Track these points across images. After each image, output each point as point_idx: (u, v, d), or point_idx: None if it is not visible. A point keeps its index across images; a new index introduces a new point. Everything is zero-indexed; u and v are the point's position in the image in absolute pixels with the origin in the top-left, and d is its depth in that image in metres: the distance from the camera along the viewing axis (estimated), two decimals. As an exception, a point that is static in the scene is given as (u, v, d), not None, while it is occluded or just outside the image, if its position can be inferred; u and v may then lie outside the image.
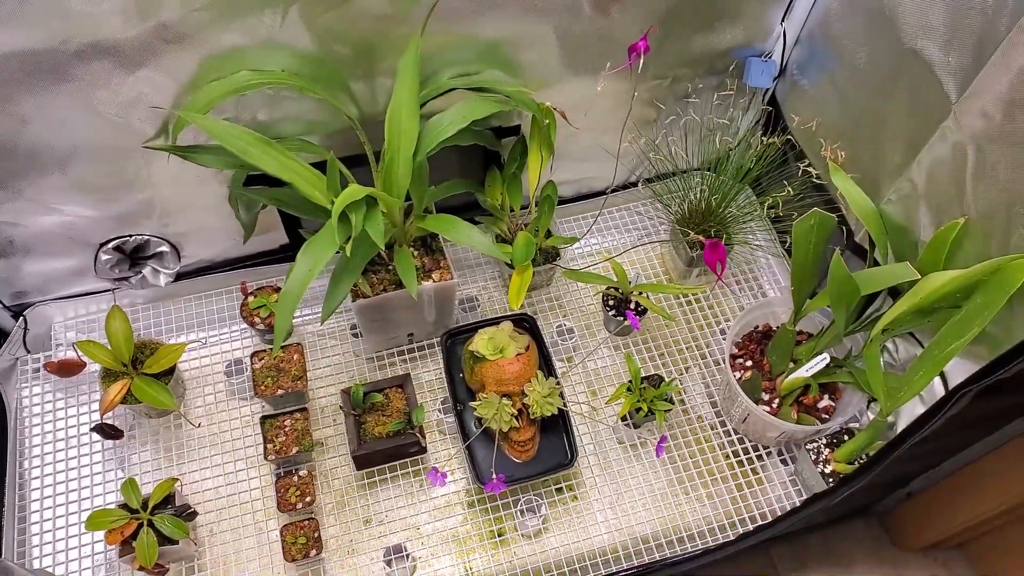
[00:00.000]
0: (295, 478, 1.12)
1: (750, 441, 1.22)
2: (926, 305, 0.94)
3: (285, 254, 1.30)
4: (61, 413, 1.20)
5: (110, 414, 1.13)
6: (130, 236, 1.17)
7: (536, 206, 1.23)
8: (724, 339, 1.28)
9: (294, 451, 1.11)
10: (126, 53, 0.92)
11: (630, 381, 1.16)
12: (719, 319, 1.33)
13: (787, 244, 1.24)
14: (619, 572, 1.11)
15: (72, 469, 1.16)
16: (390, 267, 1.15)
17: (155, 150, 1.03)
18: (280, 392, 1.15)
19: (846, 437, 1.15)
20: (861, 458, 1.12)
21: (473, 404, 1.12)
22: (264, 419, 1.14)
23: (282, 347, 1.19)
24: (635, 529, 1.15)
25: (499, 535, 1.15)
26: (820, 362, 1.13)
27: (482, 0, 1.00)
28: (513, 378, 1.12)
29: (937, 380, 1.05)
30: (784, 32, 1.19)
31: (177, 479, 1.09)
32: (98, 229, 1.14)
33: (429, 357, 1.28)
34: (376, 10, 0.98)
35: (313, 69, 1.02)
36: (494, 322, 1.21)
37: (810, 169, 1.17)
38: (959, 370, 1.02)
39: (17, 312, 1.23)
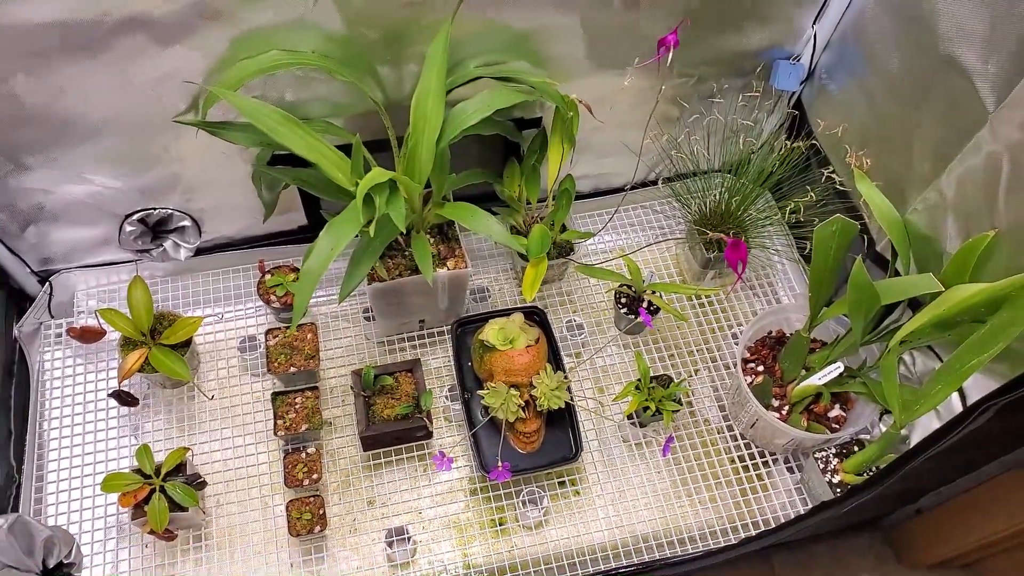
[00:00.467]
0: (303, 455, 1.14)
1: (757, 447, 1.21)
2: (949, 318, 0.92)
3: (303, 235, 1.32)
4: (80, 378, 1.23)
5: (127, 382, 1.16)
6: (154, 209, 1.20)
7: (553, 200, 1.23)
8: (736, 343, 1.27)
9: (303, 428, 1.13)
10: (162, 28, 0.94)
11: (638, 380, 1.16)
12: (731, 323, 1.32)
13: (805, 250, 1.23)
14: (618, 569, 1.11)
15: (88, 433, 1.19)
16: (406, 253, 1.16)
17: (185, 124, 1.05)
18: (292, 370, 1.16)
19: (856, 448, 1.13)
20: (871, 470, 1.10)
21: (481, 393, 1.13)
22: (276, 395, 1.16)
23: (297, 326, 1.20)
24: (636, 527, 1.15)
25: (500, 524, 1.16)
26: (834, 371, 1.12)
27: (511, -11, 1.01)
28: (522, 369, 1.13)
29: (954, 395, 1.04)
30: (815, 35, 1.18)
31: (189, 448, 1.11)
32: (124, 200, 1.17)
33: (439, 344, 1.29)
34: (407, -4, 0.99)
35: (342, 52, 1.03)
36: (505, 313, 1.21)
37: (834, 175, 1.15)
38: (978, 386, 1.00)
39: (43, 278, 1.27)
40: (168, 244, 1.24)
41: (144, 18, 0.92)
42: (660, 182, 1.29)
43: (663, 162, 1.33)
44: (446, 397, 1.22)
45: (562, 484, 1.19)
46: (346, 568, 1.11)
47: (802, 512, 1.16)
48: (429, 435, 1.17)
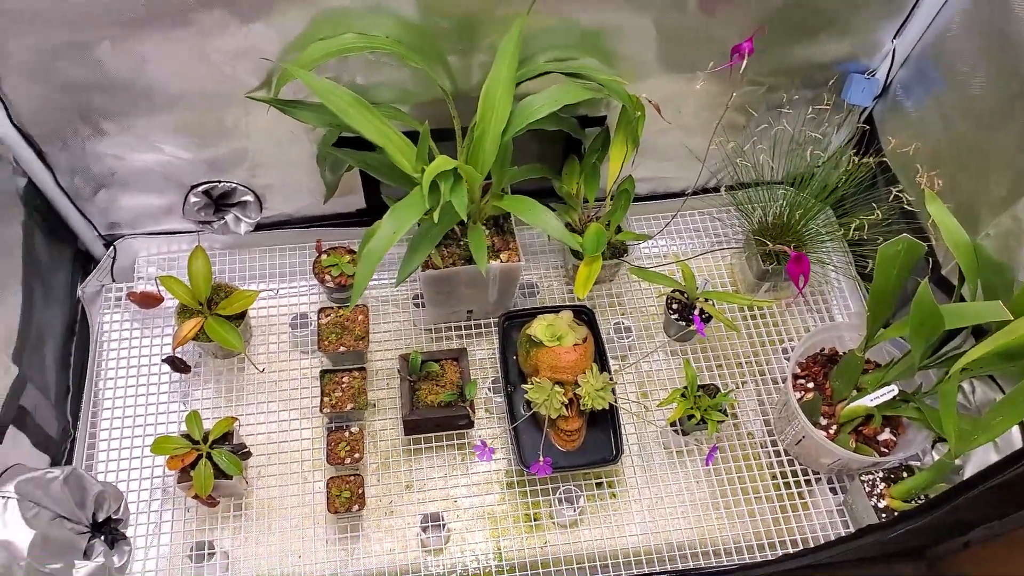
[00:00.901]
0: (346, 434, 1.16)
1: (800, 464, 1.19)
2: (1015, 348, 0.90)
3: (360, 218, 1.33)
4: (136, 342, 1.27)
5: (180, 349, 1.18)
6: (219, 182, 1.22)
7: (611, 200, 1.23)
8: (786, 358, 1.25)
9: (348, 407, 1.15)
10: (244, 4, 0.96)
11: (685, 387, 1.15)
12: (782, 337, 1.30)
13: (867, 269, 1.20)
14: (651, 575, 1.10)
15: (140, 395, 1.22)
16: (461, 242, 1.17)
17: (257, 101, 1.07)
18: (342, 349, 1.18)
19: (905, 474, 1.11)
20: (919, 498, 1.08)
21: (525, 387, 1.13)
22: (324, 373, 1.17)
23: (348, 307, 1.22)
24: (671, 535, 1.14)
25: (534, 519, 1.16)
26: (887, 393, 1.10)
27: (588, -14, 1.01)
28: (568, 367, 1.13)
29: (1015, 428, 1.01)
30: (894, 49, 1.15)
31: (236, 418, 1.13)
32: (191, 171, 1.20)
33: (484, 336, 1.30)
34: (484, -13, 0.99)
35: (415, 39, 1.04)
36: (554, 310, 1.21)
37: (902, 194, 1.13)
38: (1040, 421, 0.97)
39: (108, 242, 1.31)
40: (230, 217, 1.27)
41: (230, -7, 0.95)
42: (723, 189, 1.28)
43: (725, 169, 1.31)
44: (488, 389, 1.23)
45: (599, 485, 1.18)
46: (379, 550, 1.13)
47: (843, 535, 1.13)
48: (470, 424, 1.18)
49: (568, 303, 1.29)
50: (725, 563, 1.11)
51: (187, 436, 1.10)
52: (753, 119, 1.24)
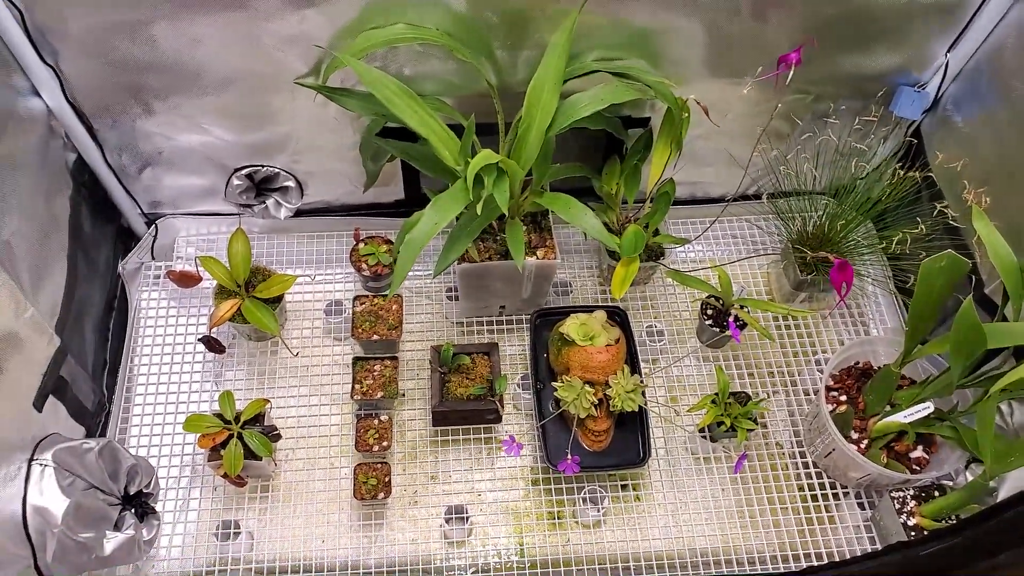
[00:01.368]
0: (375, 421, 1.16)
1: (829, 477, 1.18)
2: (1060, 371, 0.88)
3: (398, 209, 1.34)
4: (172, 320, 1.29)
5: (216, 329, 1.20)
6: (262, 166, 1.24)
7: (651, 202, 1.22)
8: (819, 369, 1.24)
9: (379, 395, 1.15)
10: (300, -9, 0.97)
11: (715, 393, 1.14)
12: (815, 349, 1.29)
13: (908, 284, 1.19)
14: (672, 579, 1.10)
15: (174, 373, 1.24)
16: (498, 237, 1.17)
17: (304, 87, 1.08)
18: (375, 338, 1.19)
19: (936, 493, 1.09)
20: (950, 517, 1.06)
21: (556, 384, 1.13)
22: (356, 360, 1.18)
23: (384, 295, 1.23)
24: (694, 541, 1.13)
25: (557, 518, 1.16)
26: (923, 410, 1.08)
27: (642, -13, 1.01)
28: (599, 367, 1.12)
29: (1053, 453, 0.99)
30: (947, 63, 1.14)
31: (268, 400, 1.14)
32: (235, 154, 1.21)
33: (515, 332, 1.30)
34: (538, -17, 0.99)
35: (464, 32, 1.05)
36: (587, 309, 1.21)
37: (947, 210, 1.11)
38: (1081, 447, 0.95)
39: (150, 220, 1.33)
40: (271, 202, 1.28)
41: (288, -21, 0.96)
42: (764, 197, 1.27)
43: (766, 176, 1.30)
44: (517, 385, 1.23)
45: (624, 487, 1.18)
46: (402, 539, 1.13)
47: (868, 551, 1.12)
48: (498, 419, 1.18)
49: (601, 303, 1.29)
50: (748, 572, 1.10)
51: (219, 415, 1.11)
52: (798, 128, 1.23)
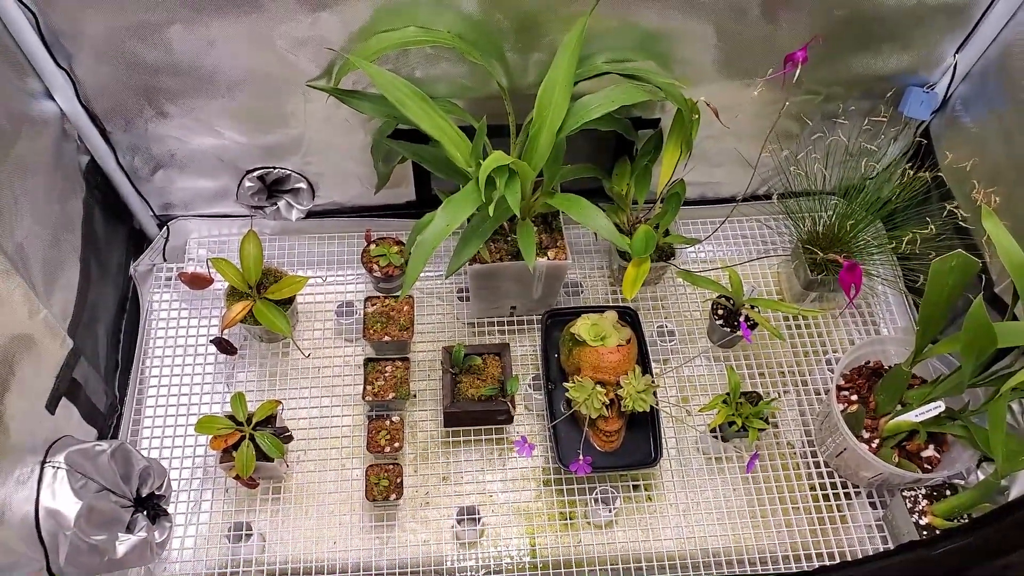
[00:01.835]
0: (387, 423, 1.16)
1: (840, 477, 1.18)
2: (1072, 369, 0.89)
3: (409, 210, 1.35)
4: (184, 322, 1.29)
5: (228, 331, 1.20)
6: (274, 168, 1.24)
7: (661, 202, 1.23)
8: (830, 369, 1.24)
9: (390, 396, 1.15)
10: (314, -7, 0.98)
11: (727, 393, 1.14)
12: (826, 348, 1.29)
13: (918, 283, 1.19)
14: (684, 579, 1.10)
15: (186, 375, 1.24)
16: (509, 238, 1.18)
17: (316, 89, 1.08)
18: (386, 339, 1.19)
19: (948, 492, 1.09)
20: (962, 517, 1.06)
21: (567, 385, 1.13)
22: (368, 361, 1.19)
23: (395, 296, 1.23)
24: (706, 541, 1.13)
25: (569, 518, 1.16)
26: (933, 409, 1.08)
27: (652, -12, 1.01)
28: (610, 367, 1.13)
29: (1066, 451, 0.99)
30: (955, 64, 1.14)
31: (280, 402, 1.14)
32: (247, 157, 1.22)
33: (526, 333, 1.30)
34: (549, -14, 1.00)
35: (476, 35, 1.05)
36: (598, 310, 1.21)
37: (957, 210, 1.12)
38: (1094, 445, 0.95)
39: (162, 222, 1.33)
40: (282, 203, 1.28)
41: (300, -18, 0.96)
42: (775, 197, 1.27)
43: (776, 177, 1.31)
44: (528, 386, 1.23)
45: (636, 488, 1.18)
46: (414, 540, 1.13)
47: (881, 550, 1.12)
48: (510, 420, 1.18)
49: (611, 304, 1.30)
50: (760, 572, 1.10)
51: (231, 417, 1.11)
52: (807, 128, 1.24)
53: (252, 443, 1.09)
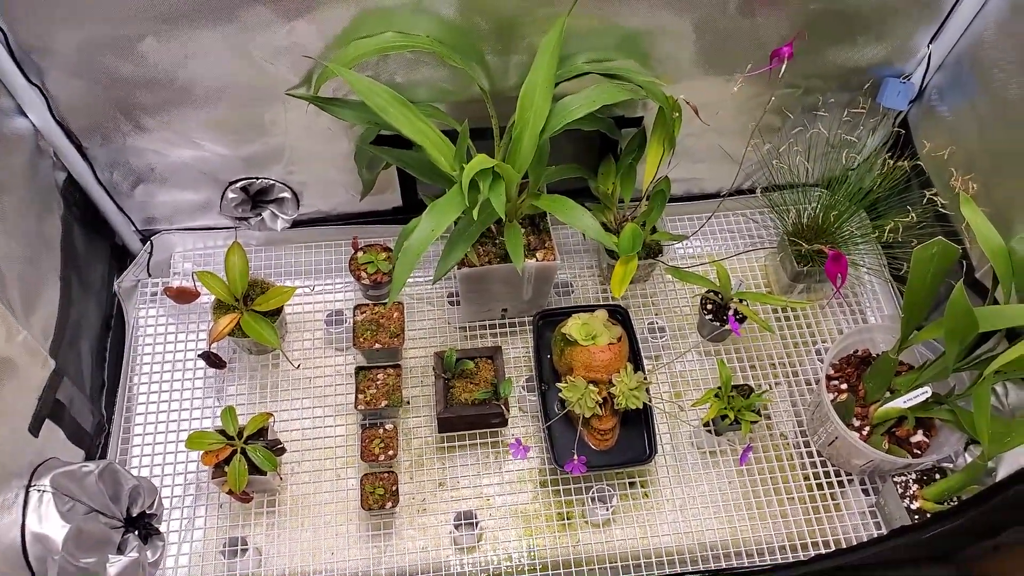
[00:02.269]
0: (380, 431, 1.16)
1: (833, 465, 1.19)
2: (1053, 350, 0.90)
3: (396, 216, 1.34)
4: (171, 337, 1.27)
5: (216, 344, 1.19)
6: (257, 178, 1.23)
7: (647, 200, 1.23)
8: (819, 359, 1.26)
9: (383, 404, 1.15)
10: (288, 2, 0.97)
11: (719, 387, 1.15)
12: (815, 339, 1.30)
13: (901, 271, 1.21)
14: (683, 574, 1.10)
15: (175, 391, 1.23)
16: (497, 241, 1.18)
17: (296, 98, 1.07)
18: (377, 346, 1.18)
19: (938, 476, 1.11)
20: (952, 500, 1.08)
21: (560, 385, 1.13)
22: (359, 370, 1.18)
23: (384, 303, 1.23)
24: (703, 535, 1.14)
25: (567, 518, 1.16)
26: (921, 395, 1.10)
27: (630, -12, 1.02)
28: (602, 366, 1.13)
29: (1051, 431, 1.01)
30: (929, 54, 1.16)
31: (271, 414, 1.13)
32: (229, 168, 1.20)
33: (518, 335, 1.30)
34: (526, -12, 1.00)
35: (455, 39, 1.05)
36: (588, 309, 1.22)
37: (936, 198, 1.13)
38: (1077, 424, 0.97)
39: (145, 237, 1.31)
40: (266, 214, 1.27)
41: (275, -9, 0.95)
42: (759, 191, 1.29)
43: (760, 171, 1.32)
44: (522, 388, 1.23)
45: (632, 485, 1.18)
46: (412, 547, 1.13)
47: (875, 536, 1.14)
48: (504, 423, 1.18)
49: (602, 302, 1.30)
50: (757, 563, 1.11)
51: (222, 431, 1.10)
52: (788, 121, 1.25)
53: (244, 457, 1.08)
